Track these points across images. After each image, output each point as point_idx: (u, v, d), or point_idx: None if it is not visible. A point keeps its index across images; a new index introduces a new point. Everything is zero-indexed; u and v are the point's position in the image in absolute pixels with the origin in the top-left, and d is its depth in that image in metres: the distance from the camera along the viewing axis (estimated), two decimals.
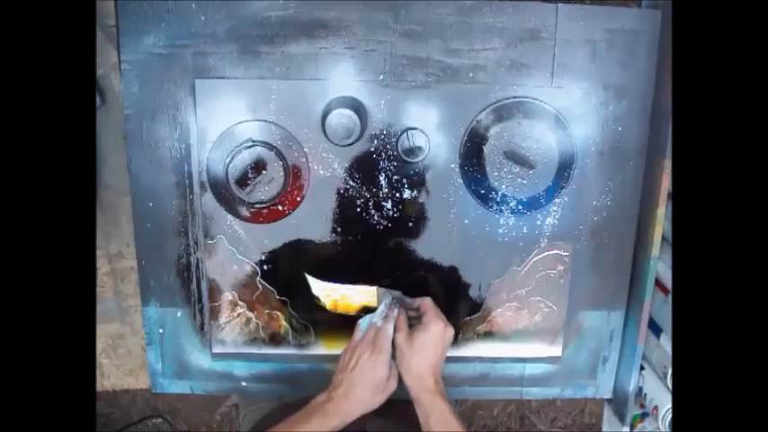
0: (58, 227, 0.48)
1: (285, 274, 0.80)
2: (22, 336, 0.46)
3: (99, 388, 0.89)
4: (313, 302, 0.81)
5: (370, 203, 0.77)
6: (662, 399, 0.79)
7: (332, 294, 0.81)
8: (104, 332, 0.87)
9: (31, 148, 0.48)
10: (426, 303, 0.73)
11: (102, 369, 0.89)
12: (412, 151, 0.74)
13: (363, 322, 0.75)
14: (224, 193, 0.76)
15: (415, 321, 0.73)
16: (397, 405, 0.72)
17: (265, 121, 0.74)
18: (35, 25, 0.48)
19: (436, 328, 0.70)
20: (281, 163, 0.73)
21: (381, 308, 0.74)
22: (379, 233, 0.78)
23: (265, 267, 0.79)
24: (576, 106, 0.75)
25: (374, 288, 0.78)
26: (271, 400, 0.89)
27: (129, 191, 0.77)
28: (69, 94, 0.49)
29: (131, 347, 0.88)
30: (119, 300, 0.85)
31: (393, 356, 0.71)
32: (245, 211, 0.77)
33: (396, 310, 0.73)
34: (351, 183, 0.76)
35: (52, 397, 0.47)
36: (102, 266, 0.84)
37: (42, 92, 0.48)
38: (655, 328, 0.83)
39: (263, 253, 0.79)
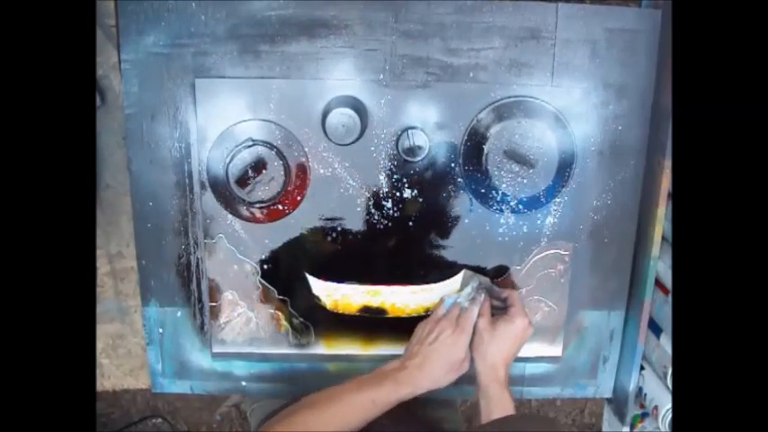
0: (58, 226, 0.48)
1: (285, 273, 0.80)
2: (23, 336, 0.46)
3: (99, 388, 0.89)
4: (313, 302, 0.81)
5: (370, 203, 0.77)
6: (662, 399, 0.79)
7: (332, 294, 0.81)
8: (104, 332, 0.87)
9: (32, 147, 0.48)
10: (514, 296, 0.73)
11: (102, 369, 0.89)
12: (412, 150, 0.74)
13: (448, 300, 0.75)
14: (224, 192, 0.76)
15: (496, 311, 0.74)
16: (409, 406, 0.71)
17: (265, 120, 0.74)
18: (35, 25, 0.48)
19: (521, 322, 0.71)
20: (281, 162, 0.73)
21: (468, 290, 0.75)
22: (379, 233, 0.78)
23: (265, 267, 0.79)
24: (576, 105, 0.75)
25: (459, 275, 0.78)
26: (272, 400, 0.89)
27: (129, 191, 0.77)
28: (69, 94, 0.49)
29: (131, 347, 0.88)
30: (119, 300, 0.85)
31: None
32: (245, 211, 0.77)
33: (483, 295, 0.73)
34: (351, 182, 0.76)
35: (52, 397, 0.47)
36: (102, 266, 0.84)
37: (42, 92, 0.48)
38: (655, 328, 0.83)
39: (263, 252, 0.79)
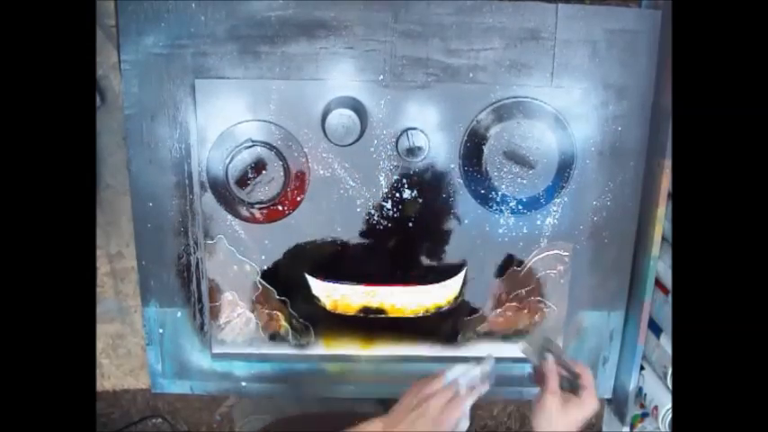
0: (58, 226, 0.48)
1: (285, 274, 0.80)
2: (23, 336, 0.46)
3: (99, 388, 0.89)
4: (313, 302, 0.81)
5: (370, 203, 0.77)
6: (662, 399, 0.79)
7: (332, 294, 0.81)
8: (104, 332, 0.87)
9: (32, 147, 0.48)
10: (588, 376, 0.66)
11: (102, 369, 0.89)
12: (412, 151, 0.74)
13: (449, 375, 0.66)
14: (224, 193, 0.76)
15: (564, 384, 0.67)
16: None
17: (265, 121, 0.74)
18: (35, 25, 0.48)
19: (591, 406, 0.65)
20: (280, 163, 0.73)
21: (477, 372, 0.67)
22: (379, 233, 0.78)
23: (265, 267, 0.79)
24: (575, 106, 0.75)
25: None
26: (269, 404, 0.89)
27: (129, 191, 0.77)
28: (69, 94, 0.49)
29: (131, 347, 0.88)
30: (119, 300, 0.85)
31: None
32: (245, 211, 0.77)
33: (487, 383, 0.67)
34: (351, 183, 0.76)
35: (52, 397, 0.47)
36: (102, 266, 0.84)
37: (42, 92, 0.48)
38: (655, 328, 0.83)
39: (262, 253, 0.79)
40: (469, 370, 0.67)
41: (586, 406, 0.65)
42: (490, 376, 0.68)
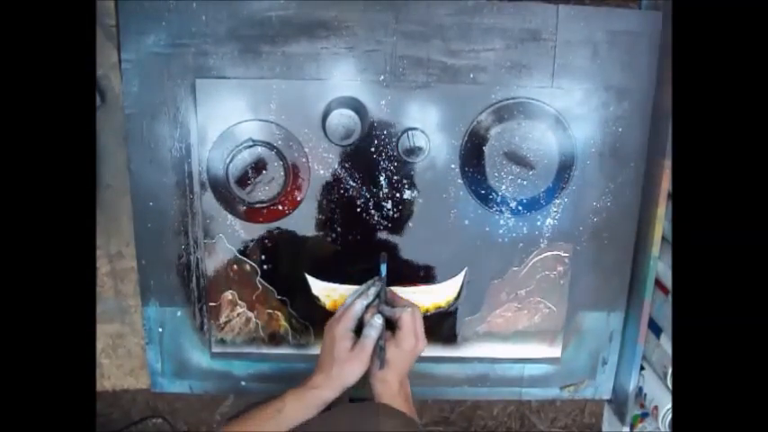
0: (58, 226, 0.48)
1: (285, 273, 0.80)
2: (23, 336, 0.46)
3: (99, 388, 0.89)
4: (313, 302, 0.81)
5: (370, 203, 0.77)
6: (662, 399, 0.79)
7: (331, 294, 0.81)
8: (104, 332, 0.87)
9: (31, 147, 0.48)
10: (405, 318, 0.71)
11: (102, 369, 0.89)
12: (412, 151, 0.74)
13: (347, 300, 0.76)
14: (224, 192, 0.76)
15: (389, 324, 0.73)
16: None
17: (266, 120, 0.74)
18: (35, 25, 0.48)
19: (408, 345, 0.71)
20: (281, 163, 0.73)
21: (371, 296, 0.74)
22: (379, 233, 0.78)
23: (265, 267, 0.79)
24: (576, 107, 0.75)
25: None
26: None
27: (129, 190, 0.77)
28: (69, 93, 0.49)
29: (131, 347, 0.87)
30: (119, 300, 0.85)
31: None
32: (245, 211, 0.77)
33: (380, 321, 0.72)
34: (351, 183, 0.76)
35: (52, 397, 0.47)
36: (102, 266, 0.84)
37: (42, 92, 0.48)
38: (655, 328, 0.83)
39: (262, 253, 0.79)
40: (363, 289, 0.75)
41: (403, 345, 0.70)
42: (381, 285, 0.74)
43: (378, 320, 0.71)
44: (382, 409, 0.65)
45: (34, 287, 0.47)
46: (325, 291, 0.80)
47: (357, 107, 0.73)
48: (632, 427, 0.86)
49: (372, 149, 0.75)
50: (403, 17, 0.72)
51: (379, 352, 0.70)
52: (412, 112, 0.75)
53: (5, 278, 0.46)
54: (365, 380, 0.71)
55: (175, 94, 0.74)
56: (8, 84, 0.47)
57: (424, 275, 0.80)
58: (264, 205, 0.75)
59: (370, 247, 0.79)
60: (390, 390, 0.70)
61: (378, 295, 0.74)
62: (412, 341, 0.71)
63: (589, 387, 0.88)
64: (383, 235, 0.78)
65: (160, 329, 0.83)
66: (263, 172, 0.73)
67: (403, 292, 0.80)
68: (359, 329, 0.72)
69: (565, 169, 0.76)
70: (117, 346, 0.88)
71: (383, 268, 0.75)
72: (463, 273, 0.80)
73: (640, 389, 0.84)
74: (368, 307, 0.73)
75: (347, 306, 0.73)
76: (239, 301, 0.81)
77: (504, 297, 0.82)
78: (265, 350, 0.83)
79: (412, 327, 0.71)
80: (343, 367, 0.69)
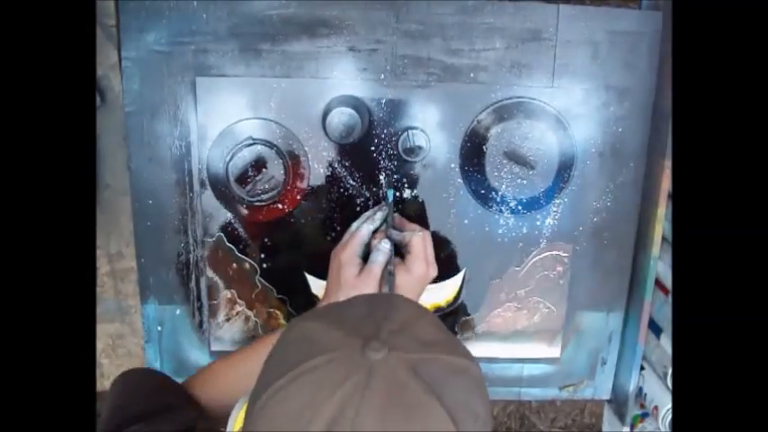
0: (58, 226, 0.48)
1: (284, 272, 0.80)
2: (23, 336, 0.46)
3: (99, 388, 0.89)
4: (312, 301, 0.81)
5: (369, 202, 0.77)
6: (662, 399, 0.79)
7: None
8: (104, 332, 0.87)
9: (31, 147, 0.48)
10: (415, 242, 0.68)
11: (102, 369, 0.89)
12: (412, 151, 0.74)
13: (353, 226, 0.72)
14: (224, 190, 0.76)
15: (398, 249, 0.70)
16: None
17: (266, 119, 0.74)
18: (35, 25, 0.48)
19: (418, 270, 0.67)
20: (281, 161, 0.73)
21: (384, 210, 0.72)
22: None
23: (264, 266, 0.79)
24: (576, 107, 0.75)
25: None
26: None
27: (129, 188, 0.77)
28: (69, 93, 0.49)
29: (131, 347, 0.87)
30: (119, 300, 0.85)
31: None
32: (244, 210, 0.77)
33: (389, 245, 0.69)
34: (351, 182, 0.76)
35: (52, 397, 0.47)
36: (102, 266, 0.84)
37: (42, 92, 0.48)
38: (655, 328, 0.83)
39: (262, 251, 0.79)
40: (369, 215, 0.72)
41: (413, 270, 0.67)
42: (389, 210, 0.72)
43: (386, 245, 0.67)
44: (397, 297, 0.64)
45: (34, 287, 0.47)
46: (324, 290, 0.80)
47: (357, 106, 0.73)
48: (632, 427, 0.86)
49: (372, 148, 0.75)
50: (403, 16, 0.72)
51: (387, 277, 0.66)
52: (412, 112, 0.75)
53: (5, 278, 0.46)
54: None
55: (176, 92, 0.74)
56: (8, 84, 0.47)
57: None
58: (264, 204, 0.75)
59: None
60: None
61: (385, 220, 0.71)
62: (423, 266, 0.67)
63: (588, 387, 0.88)
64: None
65: (159, 328, 0.83)
66: (263, 170, 0.73)
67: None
68: (366, 256, 0.69)
69: (565, 169, 0.76)
70: (117, 346, 0.87)
71: (390, 193, 0.73)
72: (462, 272, 0.80)
73: (640, 389, 0.84)
74: (375, 232, 0.70)
75: (353, 232, 0.70)
76: (238, 300, 0.81)
77: (504, 297, 0.82)
78: None
79: (423, 251, 0.68)
80: (350, 293, 0.64)
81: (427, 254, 0.68)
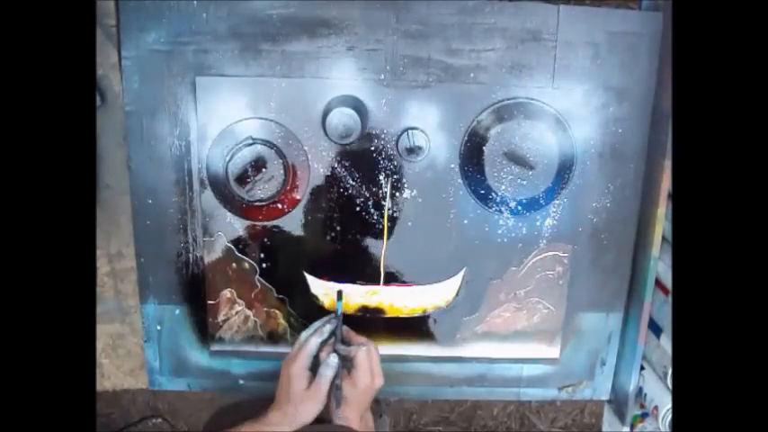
0: (58, 226, 0.48)
1: (284, 272, 0.80)
2: (23, 336, 0.46)
3: (99, 388, 0.89)
4: (311, 301, 0.81)
5: (369, 203, 0.77)
6: (662, 399, 0.79)
7: (330, 293, 0.81)
8: (104, 332, 0.87)
9: (31, 147, 0.48)
10: (360, 356, 0.70)
11: (102, 369, 0.89)
12: (412, 151, 0.74)
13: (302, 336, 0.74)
14: (224, 190, 0.76)
15: (344, 362, 0.71)
16: None
17: (266, 119, 0.74)
18: (35, 25, 0.48)
19: (363, 383, 0.70)
20: (280, 161, 0.73)
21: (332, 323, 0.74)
22: (378, 232, 0.78)
23: (264, 265, 0.79)
24: (576, 108, 0.75)
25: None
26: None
27: (129, 188, 0.77)
28: (69, 93, 0.49)
29: (131, 347, 0.87)
30: (119, 300, 0.85)
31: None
32: (244, 209, 0.77)
33: (336, 361, 0.70)
34: (350, 182, 0.76)
35: (52, 397, 0.47)
36: (102, 266, 0.84)
37: (42, 92, 0.48)
38: (655, 328, 0.83)
39: (261, 251, 0.79)
40: (317, 326, 0.74)
41: (359, 384, 0.70)
42: (337, 323, 0.74)
43: (333, 359, 0.70)
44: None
45: (34, 287, 0.47)
46: (323, 289, 0.80)
47: (357, 106, 0.73)
48: (632, 427, 0.86)
49: (372, 149, 0.75)
50: (403, 16, 0.72)
51: (335, 391, 0.69)
52: (412, 112, 0.75)
53: (6, 279, 0.46)
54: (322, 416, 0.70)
55: (175, 91, 0.74)
56: (8, 84, 0.47)
57: (422, 275, 0.80)
58: (264, 203, 0.75)
59: (369, 246, 0.79)
60: (351, 426, 0.69)
61: (333, 333, 0.73)
62: (368, 379, 0.70)
63: (587, 388, 0.88)
64: (382, 234, 0.78)
65: (158, 327, 0.83)
66: (263, 170, 0.73)
67: (402, 291, 0.80)
68: (315, 367, 0.71)
69: (564, 170, 0.76)
70: (117, 346, 0.87)
71: (339, 305, 0.75)
72: (462, 272, 0.80)
73: (640, 389, 0.84)
74: (323, 344, 0.72)
75: (302, 344, 0.72)
76: (238, 300, 0.81)
77: (503, 297, 0.82)
78: (264, 348, 0.83)
79: (368, 365, 0.70)
80: (299, 407, 0.68)
81: (372, 366, 0.71)
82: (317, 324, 0.75)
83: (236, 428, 0.68)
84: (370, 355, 0.71)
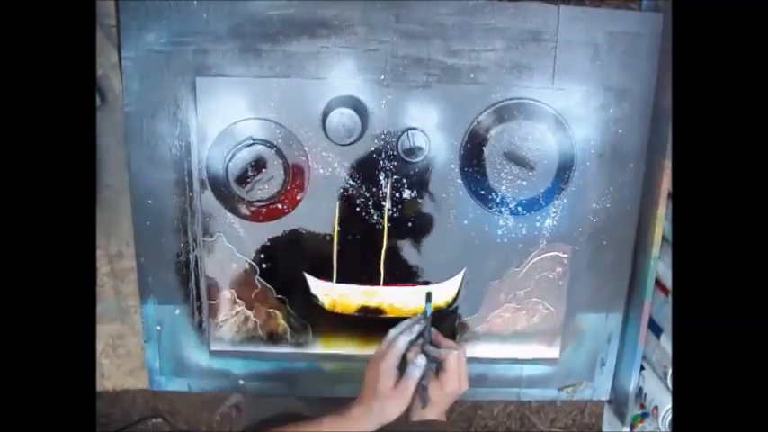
0: (58, 226, 0.48)
1: (284, 272, 0.80)
2: (23, 336, 0.46)
3: (99, 388, 0.89)
4: (311, 301, 0.81)
5: (369, 203, 0.77)
6: (662, 399, 0.79)
7: (330, 293, 0.81)
8: (104, 332, 0.87)
9: (32, 147, 0.48)
10: (450, 360, 0.70)
11: (102, 369, 0.89)
12: (412, 151, 0.74)
13: (391, 334, 0.74)
14: (224, 191, 0.76)
15: (431, 361, 0.71)
16: None
17: (266, 119, 0.74)
18: (35, 25, 0.48)
19: (451, 387, 0.70)
20: (280, 162, 0.73)
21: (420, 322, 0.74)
22: (378, 233, 0.78)
23: (264, 266, 0.79)
24: (576, 108, 0.75)
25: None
26: (269, 401, 0.89)
27: (129, 188, 0.77)
28: (69, 93, 0.49)
29: (131, 347, 0.87)
30: (119, 300, 0.85)
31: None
32: (244, 210, 0.77)
33: (424, 361, 0.71)
34: (351, 182, 0.76)
35: (52, 397, 0.47)
36: (102, 266, 0.84)
37: (42, 92, 0.48)
38: (655, 328, 0.83)
39: (261, 251, 0.79)
40: (407, 326, 0.74)
41: (446, 389, 0.70)
42: (426, 324, 0.74)
43: (422, 360, 0.70)
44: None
45: (34, 287, 0.47)
46: (323, 290, 0.80)
47: (357, 106, 0.73)
48: (632, 427, 0.86)
49: (372, 149, 0.75)
50: (403, 17, 0.72)
51: (421, 392, 0.69)
52: (412, 112, 0.75)
53: (6, 279, 0.46)
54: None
55: (175, 92, 0.74)
56: (9, 84, 0.47)
57: (422, 276, 0.80)
58: (264, 204, 0.75)
59: (369, 246, 0.79)
60: (435, 427, 0.69)
61: (421, 333, 0.73)
62: (456, 384, 0.70)
63: (587, 388, 0.88)
64: (382, 235, 0.78)
65: (158, 327, 0.83)
66: (263, 171, 0.73)
67: (402, 291, 0.80)
68: (400, 365, 0.71)
69: (564, 170, 0.76)
70: (117, 346, 0.88)
71: (428, 307, 0.74)
72: (462, 273, 0.80)
73: (640, 389, 0.84)
74: (411, 344, 0.72)
75: (390, 342, 0.72)
76: (238, 300, 0.81)
77: (503, 297, 0.82)
78: (264, 349, 0.83)
79: (457, 369, 0.71)
80: (385, 404, 0.68)
81: (461, 372, 0.71)
82: (405, 323, 0.75)
83: (318, 419, 0.69)
84: (460, 359, 0.71)
